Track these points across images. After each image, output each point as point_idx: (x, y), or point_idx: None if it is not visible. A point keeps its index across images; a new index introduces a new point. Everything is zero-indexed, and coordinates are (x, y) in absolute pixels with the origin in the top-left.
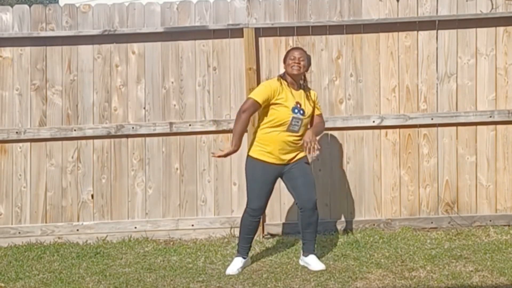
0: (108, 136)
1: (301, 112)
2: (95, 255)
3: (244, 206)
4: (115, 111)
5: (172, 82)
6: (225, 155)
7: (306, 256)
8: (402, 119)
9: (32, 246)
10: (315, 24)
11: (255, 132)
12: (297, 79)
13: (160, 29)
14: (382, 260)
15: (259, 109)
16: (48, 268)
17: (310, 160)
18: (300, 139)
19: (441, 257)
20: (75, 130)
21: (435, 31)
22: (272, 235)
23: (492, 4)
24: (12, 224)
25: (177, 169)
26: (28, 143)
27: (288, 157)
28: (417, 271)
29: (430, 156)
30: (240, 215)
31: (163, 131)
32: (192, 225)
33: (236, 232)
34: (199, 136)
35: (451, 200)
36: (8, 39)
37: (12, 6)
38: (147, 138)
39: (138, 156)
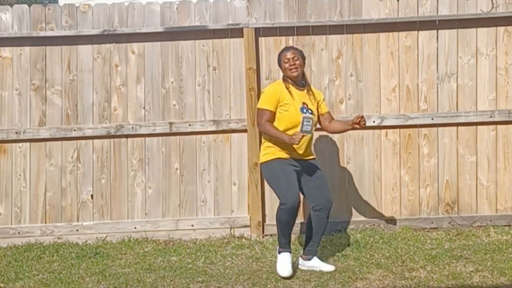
0: (108, 136)
1: (310, 111)
2: (94, 255)
3: (244, 206)
4: (114, 111)
5: (172, 82)
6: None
7: (309, 259)
8: (402, 119)
9: (32, 247)
10: (315, 24)
11: (264, 141)
12: (298, 80)
13: (160, 29)
14: (382, 260)
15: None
16: (47, 269)
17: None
18: (311, 140)
19: (442, 257)
20: (74, 130)
21: (435, 30)
22: (272, 235)
23: (493, 4)
24: (11, 224)
25: (177, 169)
26: (28, 143)
27: (300, 156)
28: (417, 271)
29: (430, 156)
30: (240, 215)
31: (163, 131)
32: (192, 225)
33: (236, 232)
34: (199, 136)
35: (451, 200)
36: (7, 39)
37: (11, 6)
38: (147, 138)
39: (137, 156)
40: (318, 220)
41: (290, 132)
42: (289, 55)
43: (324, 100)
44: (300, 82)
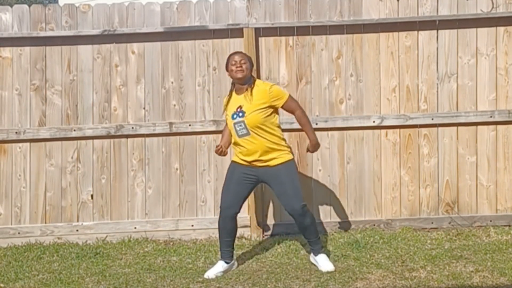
0: (108, 136)
1: (240, 114)
2: (94, 255)
3: (244, 206)
4: (114, 111)
5: (172, 82)
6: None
7: (316, 255)
8: (402, 119)
9: (32, 247)
10: (315, 24)
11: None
12: (244, 83)
13: (160, 29)
14: (383, 261)
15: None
16: (47, 269)
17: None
18: (264, 141)
19: (442, 257)
20: (74, 130)
21: (435, 31)
22: (272, 235)
23: (493, 4)
24: (11, 224)
25: (177, 169)
26: (28, 143)
27: (257, 158)
28: (418, 271)
29: (430, 156)
30: (240, 215)
31: (163, 131)
32: (192, 226)
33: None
34: (199, 136)
35: (451, 200)
36: (7, 39)
37: (11, 6)
38: (147, 138)
39: (137, 156)
40: (297, 224)
41: (235, 140)
42: (237, 58)
43: (273, 90)
44: (247, 85)
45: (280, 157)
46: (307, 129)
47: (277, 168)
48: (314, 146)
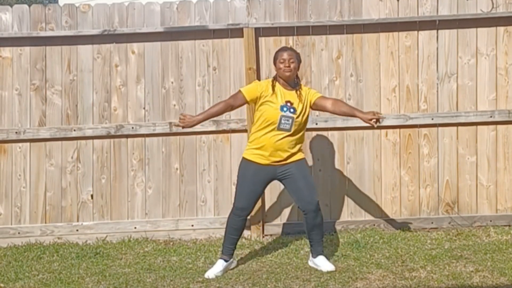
0: (108, 136)
1: (292, 110)
2: (94, 255)
3: None
4: (114, 111)
5: (172, 82)
6: (184, 123)
7: (315, 257)
8: (402, 119)
9: (32, 247)
10: (315, 24)
11: (249, 135)
12: (290, 80)
13: (160, 29)
14: (382, 261)
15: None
16: (47, 269)
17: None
18: (294, 140)
19: (442, 257)
20: (74, 130)
21: (435, 31)
22: (272, 235)
23: (493, 4)
24: (11, 224)
25: (177, 169)
26: (28, 143)
27: (280, 158)
28: (418, 271)
29: (430, 156)
30: None
31: (163, 131)
32: (192, 225)
33: None
34: (199, 136)
35: (451, 200)
36: (7, 39)
37: (11, 6)
38: (147, 138)
39: (137, 156)
40: (307, 222)
41: (268, 129)
42: (286, 56)
43: (311, 91)
44: (292, 83)
45: (297, 155)
46: (351, 109)
47: (293, 164)
48: (368, 114)
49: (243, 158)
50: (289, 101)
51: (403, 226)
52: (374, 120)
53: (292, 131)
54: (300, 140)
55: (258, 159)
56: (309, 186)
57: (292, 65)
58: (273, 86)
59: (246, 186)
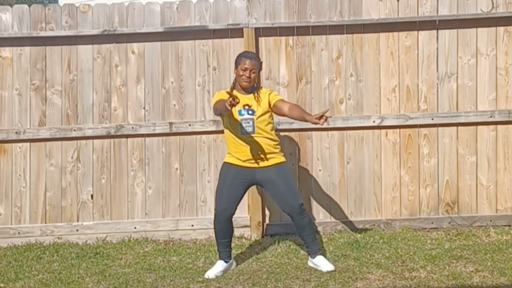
0: (108, 136)
1: (250, 112)
2: (94, 255)
3: (244, 206)
4: (114, 111)
5: (172, 82)
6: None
7: (313, 257)
8: (402, 119)
9: (32, 247)
10: (315, 24)
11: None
12: (247, 88)
13: (160, 29)
14: (382, 261)
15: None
16: (47, 269)
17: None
18: (264, 140)
19: (442, 257)
20: (74, 130)
21: (435, 30)
22: (272, 235)
23: (493, 4)
24: (11, 224)
25: (177, 169)
26: (28, 143)
27: (258, 158)
28: (418, 271)
29: (430, 156)
30: (240, 215)
31: (163, 131)
32: (192, 225)
33: (237, 232)
34: (199, 136)
35: (451, 200)
36: (7, 39)
37: (11, 6)
38: (147, 138)
39: (137, 156)
40: (295, 225)
41: (235, 135)
42: (248, 65)
43: (272, 93)
44: (249, 89)
45: (275, 158)
46: (302, 113)
47: (272, 168)
48: (316, 115)
49: (223, 162)
50: (247, 104)
51: (403, 226)
52: (323, 119)
53: (256, 132)
54: (273, 140)
55: (232, 160)
56: (291, 190)
57: (252, 76)
58: (231, 94)
59: (226, 188)
